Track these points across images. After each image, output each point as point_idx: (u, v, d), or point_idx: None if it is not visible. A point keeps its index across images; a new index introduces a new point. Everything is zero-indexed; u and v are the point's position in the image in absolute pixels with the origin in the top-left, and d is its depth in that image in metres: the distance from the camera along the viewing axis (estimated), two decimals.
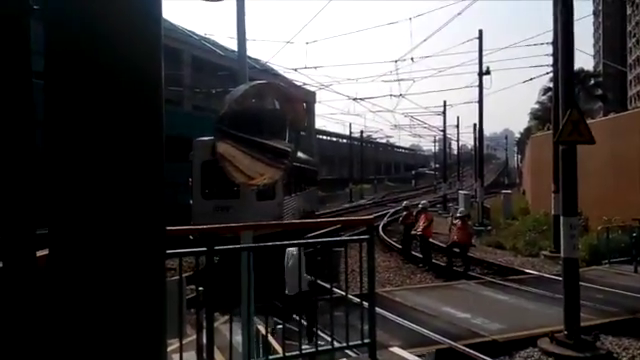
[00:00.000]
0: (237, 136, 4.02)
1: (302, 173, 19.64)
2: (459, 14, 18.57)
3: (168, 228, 1.39)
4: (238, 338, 4.60)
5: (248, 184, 3.81)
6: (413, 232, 15.99)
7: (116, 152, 1.17)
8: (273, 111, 4.17)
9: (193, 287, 5.69)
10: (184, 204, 13.50)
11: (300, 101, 3.93)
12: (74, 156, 1.14)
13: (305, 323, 6.31)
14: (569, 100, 7.35)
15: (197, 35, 27.89)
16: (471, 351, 6.73)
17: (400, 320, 8.11)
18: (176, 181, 14.42)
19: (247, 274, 3.61)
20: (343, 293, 4.56)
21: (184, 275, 3.68)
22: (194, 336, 4.41)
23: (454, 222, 16.09)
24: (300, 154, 19.57)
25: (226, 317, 6.10)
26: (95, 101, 1.13)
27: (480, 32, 25.14)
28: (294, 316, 5.42)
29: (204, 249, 3.32)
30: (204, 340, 3.76)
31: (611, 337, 7.56)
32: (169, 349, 3.69)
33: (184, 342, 4.97)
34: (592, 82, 55.47)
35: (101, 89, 1.14)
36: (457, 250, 14.24)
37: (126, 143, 1.18)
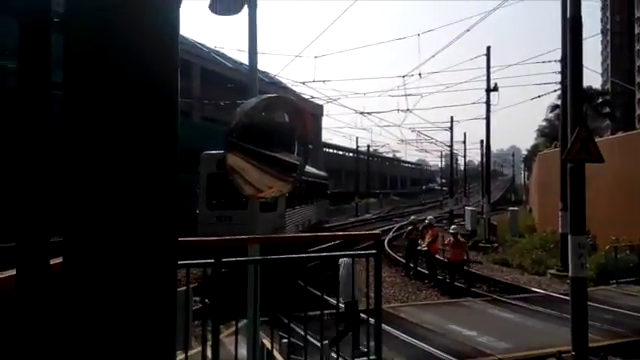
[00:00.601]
0: (246, 148, 4.05)
1: (310, 186, 20.36)
2: (467, 30, 18.66)
3: (180, 239, 1.40)
4: (243, 352, 4.58)
5: (257, 197, 3.82)
6: (419, 248, 15.90)
7: (131, 161, 1.18)
8: (282, 124, 4.21)
9: (198, 299, 5.68)
10: (191, 213, 14.00)
11: (309, 114, 3.95)
12: (89, 165, 1.15)
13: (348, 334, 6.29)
14: (578, 118, 7.33)
15: (207, 47, 28.20)
16: None
17: (405, 337, 8.04)
18: (185, 192, 16.51)
19: (254, 287, 3.60)
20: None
21: (190, 286, 3.67)
22: (199, 348, 4.39)
23: (445, 242, 15.84)
24: (310, 168, 21.38)
25: (231, 329, 6.08)
26: (111, 110, 1.15)
27: (488, 49, 25.24)
28: (297, 329, 5.40)
29: (212, 260, 3.32)
30: (209, 353, 3.74)
31: (619, 359, 7.45)
32: None
33: (189, 354, 4.96)
34: (600, 100, 55.45)
35: (118, 98, 1.15)
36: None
37: (141, 153, 1.19)
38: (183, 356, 3.43)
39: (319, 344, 4.28)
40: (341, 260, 7.37)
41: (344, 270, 7.26)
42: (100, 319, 1.12)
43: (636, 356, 7.62)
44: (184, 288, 3.47)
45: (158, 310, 1.22)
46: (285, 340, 4.24)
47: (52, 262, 1.32)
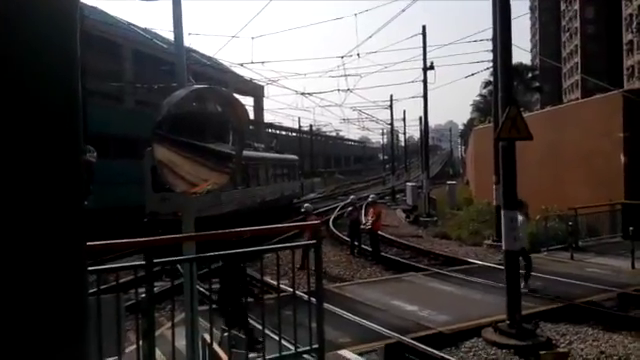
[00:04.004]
0: (177, 141, 3.88)
1: (276, 167, 27.56)
2: (403, 11, 18.84)
3: (107, 242, 1.31)
4: (183, 343, 4.49)
5: (189, 192, 3.69)
6: (362, 226, 16.14)
7: (18, 156, 1.07)
8: (215, 115, 4.07)
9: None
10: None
11: (242, 104, 3.84)
12: None
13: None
14: (508, 98, 7.59)
15: (139, 28, 27.01)
16: (418, 344, 6.87)
17: (350, 316, 8.17)
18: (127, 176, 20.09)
19: (190, 284, 3.51)
20: (291, 289, 4.51)
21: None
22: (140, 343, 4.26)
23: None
24: (277, 154, 29.92)
25: (175, 321, 5.95)
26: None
27: (423, 28, 25.63)
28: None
29: (143, 262, 3.20)
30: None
31: (550, 324, 7.91)
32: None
33: (129, 350, 4.81)
34: (529, 75, 57.88)
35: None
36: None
37: (28, 146, 1.08)
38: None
39: (269, 334, 4.26)
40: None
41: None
42: None
43: (565, 320, 8.12)
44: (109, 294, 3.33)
45: (60, 317, 1.14)
46: (226, 334, 4.20)
47: None
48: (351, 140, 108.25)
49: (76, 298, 1.22)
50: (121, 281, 3.75)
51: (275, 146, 33.35)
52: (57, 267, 1.15)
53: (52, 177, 1.15)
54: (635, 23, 57.73)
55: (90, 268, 3.79)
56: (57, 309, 1.16)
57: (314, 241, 4.01)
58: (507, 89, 7.75)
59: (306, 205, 17.21)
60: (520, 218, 9.88)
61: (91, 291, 3.33)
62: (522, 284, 9.46)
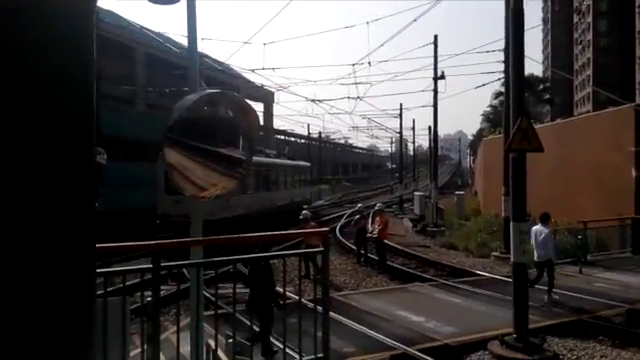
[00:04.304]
0: (189, 145, 3.89)
1: (286, 174, 28.57)
2: (415, 20, 18.86)
3: (115, 245, 1.31)
4: (188, 349, 4.47)
5: (198, 197, 3.69)
6: (368, 235, 16.08)
7: (29, 157, 1.07)
8: (226, 120, 4.07)
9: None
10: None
11: (253, 110, 3.85)
12: None
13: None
14: (519, 109, 7.55)
15: (152, 32, 27.24)
16: (424, 356, 6.81)
17: (355, 325, 8.11)
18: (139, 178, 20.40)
19: (196, 289, 3.50)
20: (296, 297, 4.49)
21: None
22: (144, 346, 4.26)
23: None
24: (290, 161, 31.40)
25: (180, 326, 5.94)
26: (5, 96, 1.03)
27: (435, 37, 25.63)
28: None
29: (150, 266, 3.19)
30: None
31: (557, 339, 7.81)
32: None
33: (133, 354, 4.81)
34: (541, 87, 57.66)
35: (13, 81, 1.04)
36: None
37: (40, 147, 1.08)
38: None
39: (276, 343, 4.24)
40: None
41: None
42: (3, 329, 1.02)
43: (572, 335, 8.02)
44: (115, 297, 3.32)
45: (67, 319, 1.13)
46: (231, 340, 4.18)
47: None
48: (359, 148, 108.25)
49: (83, 300, 1.22)
50: (128, 284, 3.76)
51: (288, 153, 34.80)
52: (66, 269, 1.15)
53: (64, 178, 1.15)
54: None
55: (97, 270, 3.80)
56: (64, 311, 1.16)
57: (321, 248, 3.99)
58: (519, 100, 7.71)
59: (304, 212, 16.17)
60: (546, 230, 10.05)
61: (98, 293, 3.33)
62: (546, 297, 9.63)
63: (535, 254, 10.05)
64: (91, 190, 1.21)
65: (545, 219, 10.31)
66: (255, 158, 25.21)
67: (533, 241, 9.96)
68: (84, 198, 1.19)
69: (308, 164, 36.48)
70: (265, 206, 23.61)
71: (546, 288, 9.75)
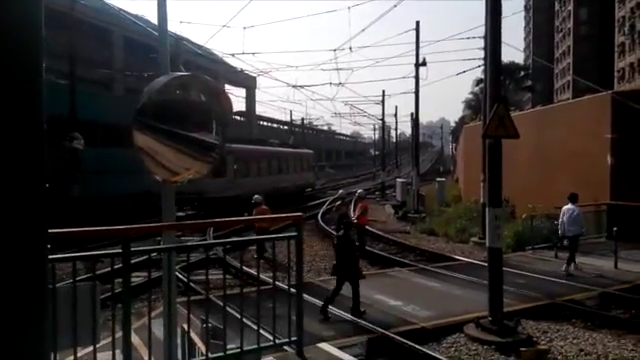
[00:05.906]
0: (159, 128, 3.82)
1: (289, 160, 32.25)
2: (395, 6, 18.81)
3: (82, 230, 1.28)
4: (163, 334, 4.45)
5: (171, 181, 3.64)
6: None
7: None
8: (198, 104, 4.01)
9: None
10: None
11: (226, 94, 3.80)
12: None
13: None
14: (496, 95, 7.59)
15: (130, 14, 26.70)
16: (401, 339, 6.90)
17: (334, 310, 8.17)
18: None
19: (168, 274, 3.47)
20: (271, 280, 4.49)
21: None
22: (120, 333, 4.23)
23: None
24: (291, 149, 35.32)
25: (157, 311, 5.91)
26: None
27: (417, 23, 25.55)
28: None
29: (119, 251, 3.16)
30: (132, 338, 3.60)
31: (532, 321, 7.98)
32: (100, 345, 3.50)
33: (106, 341, 4.77)
34: (521, 74, 58.10)
35: None
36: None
37: None
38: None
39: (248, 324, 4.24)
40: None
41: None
42: None
43: (546, 318, 8.19)
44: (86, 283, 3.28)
45: (13, 303, 1.11)
46: (204, 325, 4.17)
47: None
48: (343, 135, 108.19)
49: (32, 285, 1.19)
50: (103, 271, 3.73)
51: (291, 141, 38.88)
52: (12, 253, 1.12)
53: (9, 160, 1.12)
54: (627, 25, 58.10)
55: (65, 255, 3.75)
56: (11, 295, 1.14)
57: (295, 233, 3.99)
58: (495, 86, 7.75)
59: (255, 196, 14.92)
60: (577, 209, 11.11)
61: (73, 281, 3.28)
62: (564, 267, 10.83)
63: (565, 230, 11.15)
64: (42, 174, 1.18)
65: (574, 199, 11.28)
66: (265, 148, 29.73)
67: (564, 218, 11.07)
68: (33, 182, 1.16)
69: (311, 151, 40.17)
70: (265, 188, 24.30)
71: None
